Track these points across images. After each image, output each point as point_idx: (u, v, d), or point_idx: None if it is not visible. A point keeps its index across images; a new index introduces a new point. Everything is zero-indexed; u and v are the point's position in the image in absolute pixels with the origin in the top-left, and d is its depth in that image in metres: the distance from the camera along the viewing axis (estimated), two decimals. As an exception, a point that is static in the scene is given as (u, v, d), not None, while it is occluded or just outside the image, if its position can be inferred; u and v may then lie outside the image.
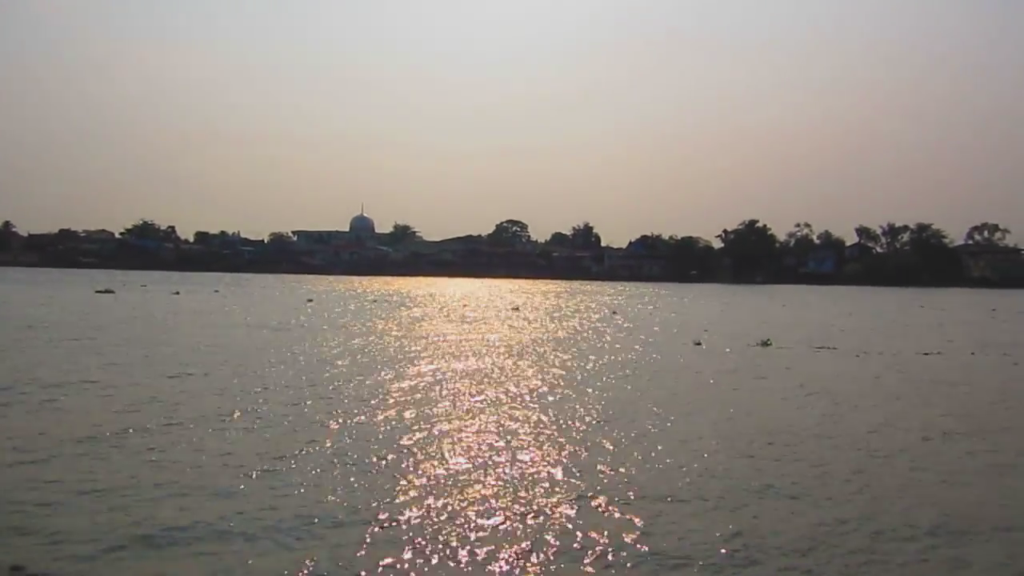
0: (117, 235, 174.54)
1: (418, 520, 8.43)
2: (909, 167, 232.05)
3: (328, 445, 11.65)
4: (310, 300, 58.27)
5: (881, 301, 77.09)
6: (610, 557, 7.58)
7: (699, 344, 29.43)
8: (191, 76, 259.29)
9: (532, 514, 8.70)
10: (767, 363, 23.72)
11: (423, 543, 7.79)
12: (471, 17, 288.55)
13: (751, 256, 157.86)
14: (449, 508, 8.85)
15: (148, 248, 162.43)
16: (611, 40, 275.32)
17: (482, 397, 16.39)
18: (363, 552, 7.55)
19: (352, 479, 9.91)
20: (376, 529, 8.17)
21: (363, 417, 13.89)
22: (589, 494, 9.46)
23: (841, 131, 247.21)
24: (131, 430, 12.23)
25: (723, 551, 7.76)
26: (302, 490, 9.39)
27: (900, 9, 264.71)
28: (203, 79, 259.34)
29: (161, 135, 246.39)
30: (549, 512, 8.79)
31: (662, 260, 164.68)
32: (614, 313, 50.90)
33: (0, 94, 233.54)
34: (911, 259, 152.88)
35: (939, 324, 43.83)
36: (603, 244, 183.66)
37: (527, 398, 16.36)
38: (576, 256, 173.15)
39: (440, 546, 7.74)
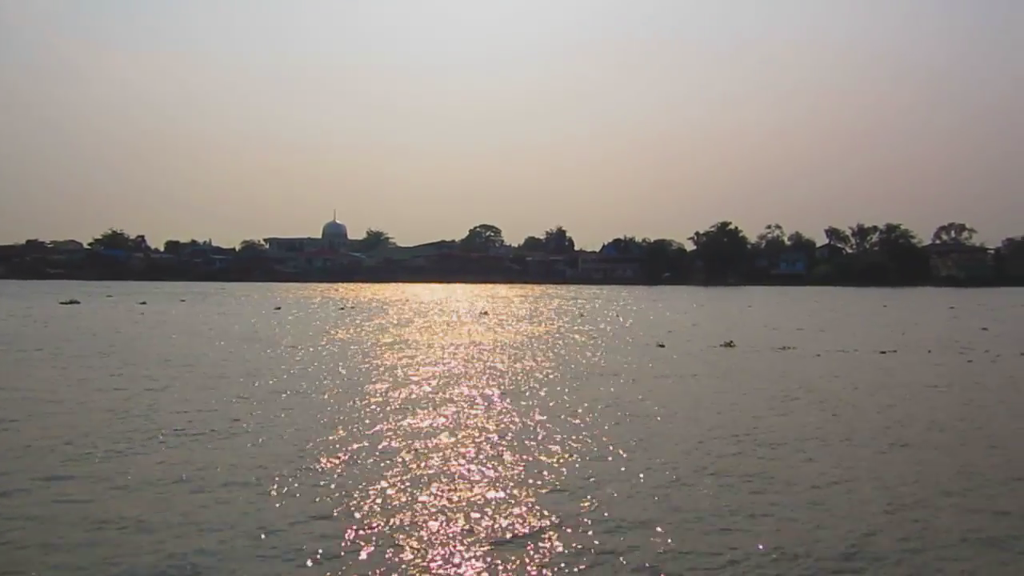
0: (86, 245, 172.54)
1: (383, 527, 8.40)
2: (878, 168, 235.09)
3: (296, 463, 11.56)
4: (278, 308, 57.91)
5: (848, 301, 77.83)
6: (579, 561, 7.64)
7: (662, 346, 29.59)
8: (160, 83, 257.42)
9: (490, 520, 8.76)
10: (724, 364, 23.88)
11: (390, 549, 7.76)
12: (442, 22, 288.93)
13: (723, 258, 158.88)
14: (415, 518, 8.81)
15: (118, 258, 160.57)
16: (584, 45, 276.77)
17: (431, 405, 16.34)
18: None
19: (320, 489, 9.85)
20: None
21: (330, 426, 13.81)
22: (540, 495, 9.51)
23: (813, 134, 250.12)
24: (91, 446, 12.04)
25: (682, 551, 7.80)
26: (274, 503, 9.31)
27: (870, 14, 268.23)
28: (172, 86, 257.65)
29: (131, 143, 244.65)
30: (504, 517, 8.85)
31: (635, 263, 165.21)
32: (580, 316, 51.02)
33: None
34: (880, 259, 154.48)
35: (900, 323, 44.32)
36: (576, 248, 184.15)
37: (476, 404, 16.36)
38: (550, 260, 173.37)
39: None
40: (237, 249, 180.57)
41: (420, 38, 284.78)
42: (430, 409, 15.56)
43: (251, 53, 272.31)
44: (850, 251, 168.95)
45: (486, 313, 53.34)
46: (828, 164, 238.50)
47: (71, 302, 59.19)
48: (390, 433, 13.15)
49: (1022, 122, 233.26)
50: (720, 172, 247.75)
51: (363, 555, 7.73)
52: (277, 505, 9.19)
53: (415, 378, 20.29)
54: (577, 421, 14.37)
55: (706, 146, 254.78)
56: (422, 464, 11.06)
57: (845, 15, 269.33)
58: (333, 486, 9.94)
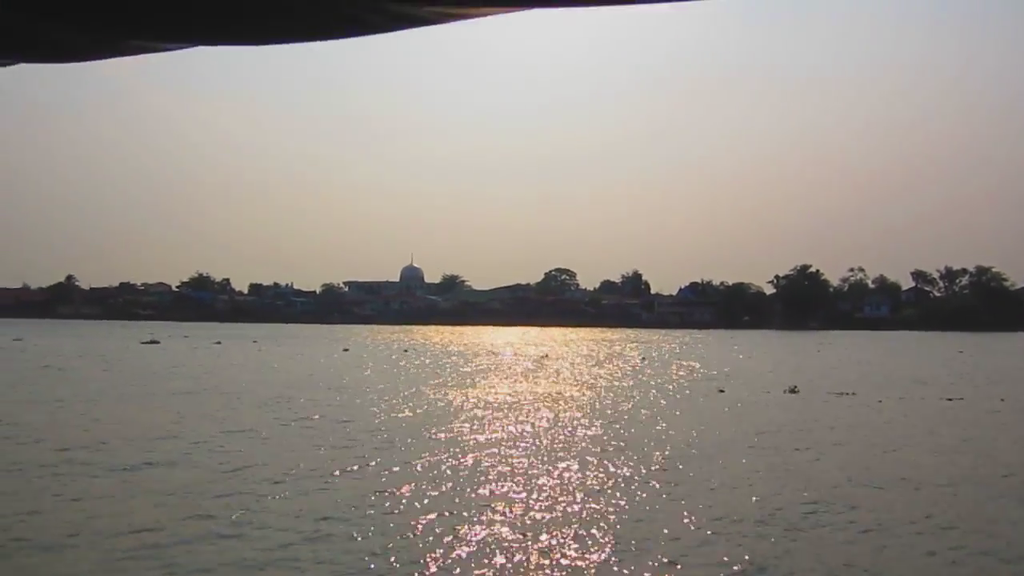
0: (174, 288, 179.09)
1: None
2: (968, 207, 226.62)
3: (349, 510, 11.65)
4: (346, 350, 58.82)
5: (930, 346, 74.96)
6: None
7: (722, 391, 29.01)
8: (244, 130, 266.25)
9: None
10: (780, 410, 23.18)
11: None
12: (511, 68, 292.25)
13: (803, 301, 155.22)
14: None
15: (203, 300, 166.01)
16: (656, 85, 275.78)
17: (481, 445, 16.29)
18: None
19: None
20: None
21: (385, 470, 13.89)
22: (585, 534, 9.33)
23: (895, 170, 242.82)
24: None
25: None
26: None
27: (945, 43, 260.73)
28: (256, 133, 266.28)
29: (218, 189, 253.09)
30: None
31: (712, 306, 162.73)
32: (643, 359, 50.32)
33: (63, 154, 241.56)
34: (969, 302, 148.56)
35: (978, 370, 42.37)
36: (653, 291, 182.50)
37: (528, 446, 16.22)
38: (625, 303, 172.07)
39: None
40: (317, 291, 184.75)
41: (493, 84, 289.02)
42: (479, 449, 15.50)
43: (330, 102, 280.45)
44: (938, 294, 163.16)
45: (546, 356, 53.12)
46: (913, 202, 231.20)
47: (151, 342, 61.42)
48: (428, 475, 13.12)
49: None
50: (800, 212, 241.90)
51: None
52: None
53: (477, 421, 20.25)
54: (611, 466, 14.09)
55: (784, 185, 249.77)
56: (483, 507, 10.99)
57: (925, 43, 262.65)
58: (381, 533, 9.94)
